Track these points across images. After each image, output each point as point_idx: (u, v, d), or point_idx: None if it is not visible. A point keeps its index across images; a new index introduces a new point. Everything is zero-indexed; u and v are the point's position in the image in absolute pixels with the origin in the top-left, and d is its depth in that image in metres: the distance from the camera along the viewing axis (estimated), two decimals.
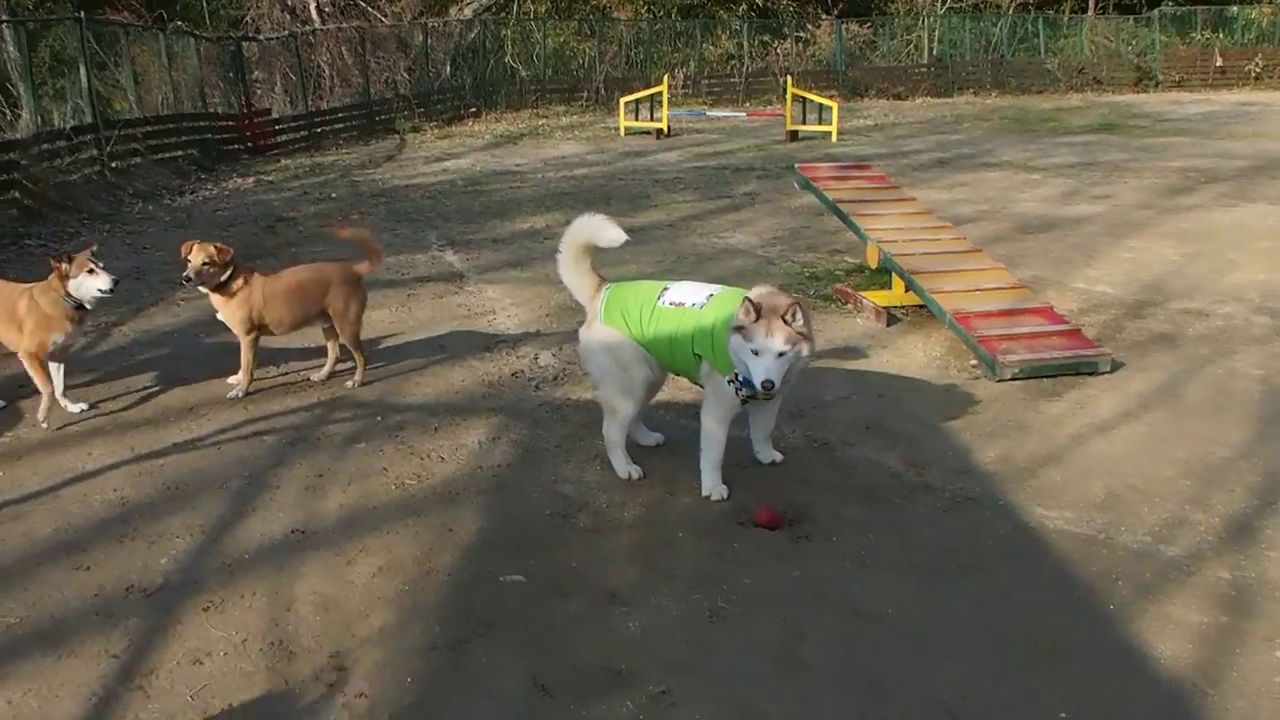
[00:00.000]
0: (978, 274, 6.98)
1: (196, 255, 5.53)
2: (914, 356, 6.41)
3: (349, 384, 5.91)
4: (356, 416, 5.48)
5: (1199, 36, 35.48)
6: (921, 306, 7.02)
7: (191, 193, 14.56)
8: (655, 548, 4.02)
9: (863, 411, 5.47)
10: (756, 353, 4.01)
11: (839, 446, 5.00)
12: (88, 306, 5.39)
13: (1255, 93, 30.53)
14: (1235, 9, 36.38)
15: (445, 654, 3.32)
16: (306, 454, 4.97)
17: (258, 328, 5.71)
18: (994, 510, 4.31)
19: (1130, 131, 20.24)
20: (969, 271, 7.01)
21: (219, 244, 5.62)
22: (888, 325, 7.01)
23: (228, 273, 5.60)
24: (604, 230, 4.69)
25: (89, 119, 14.62)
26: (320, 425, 5.36)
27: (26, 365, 5.39)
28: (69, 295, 5.28)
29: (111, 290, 5.32)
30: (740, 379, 4.19)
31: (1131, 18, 37.15)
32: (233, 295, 5.63)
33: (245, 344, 5.73)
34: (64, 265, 5.26)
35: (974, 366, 6.12)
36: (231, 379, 5.90)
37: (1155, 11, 36.21)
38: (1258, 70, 32.71)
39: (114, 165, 14.49)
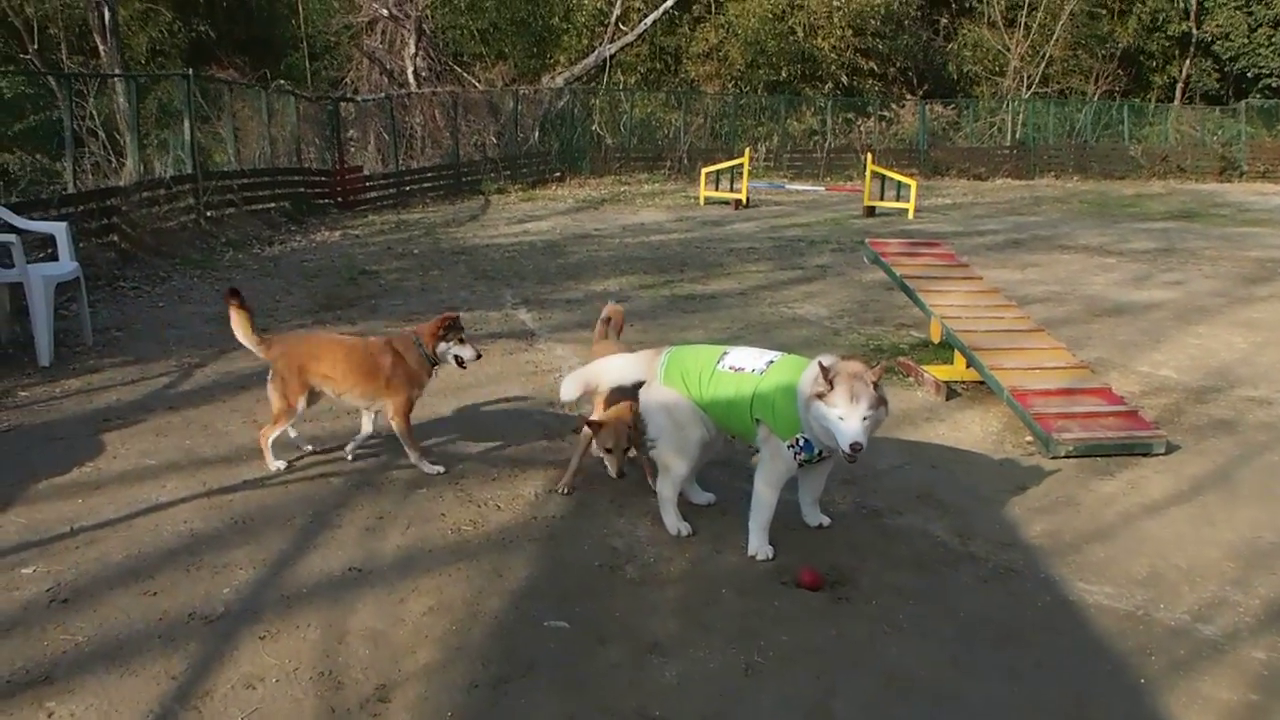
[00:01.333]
0: (1039, 353, 7.00)
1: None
2: (970, 430, 6.44)
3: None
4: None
5: None
6: (981, 382, 7.04)
7: (281, 243, 15.06)
8: (698, 602, 4.11)
9: (915, 481, 5.51)
10: (841, 418, 4.08)
11: (887, 514, 5.05)
12: (436, 366, 5.51)
13: None
14: None
15: (486, 692, 3.44)
16: (369, 497, 5.15)
17: None
18: (1036, 583, 4.33)
19: (1210, 220, 20.02)
20: (1030, 350, 7.04)
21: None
22: (947, 399, 7.04)
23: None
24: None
25: (189, 169, 15.22)
26: (384, 470, 5.53)
27: (394, 423, 5.49)
28: (433, 353, 5.42)
29: (468, 363, 5.50)
30: (800, 444, 4.30)
31: (1218, 108, 36.84)
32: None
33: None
34: (444, 325, 5.41)
35: (1029, 443, 6.13)
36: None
37: (1242, 103, 35.87)
38: None
39: (209, 214, 15.05)
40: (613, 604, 4.08)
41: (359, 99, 24.68)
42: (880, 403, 4.14)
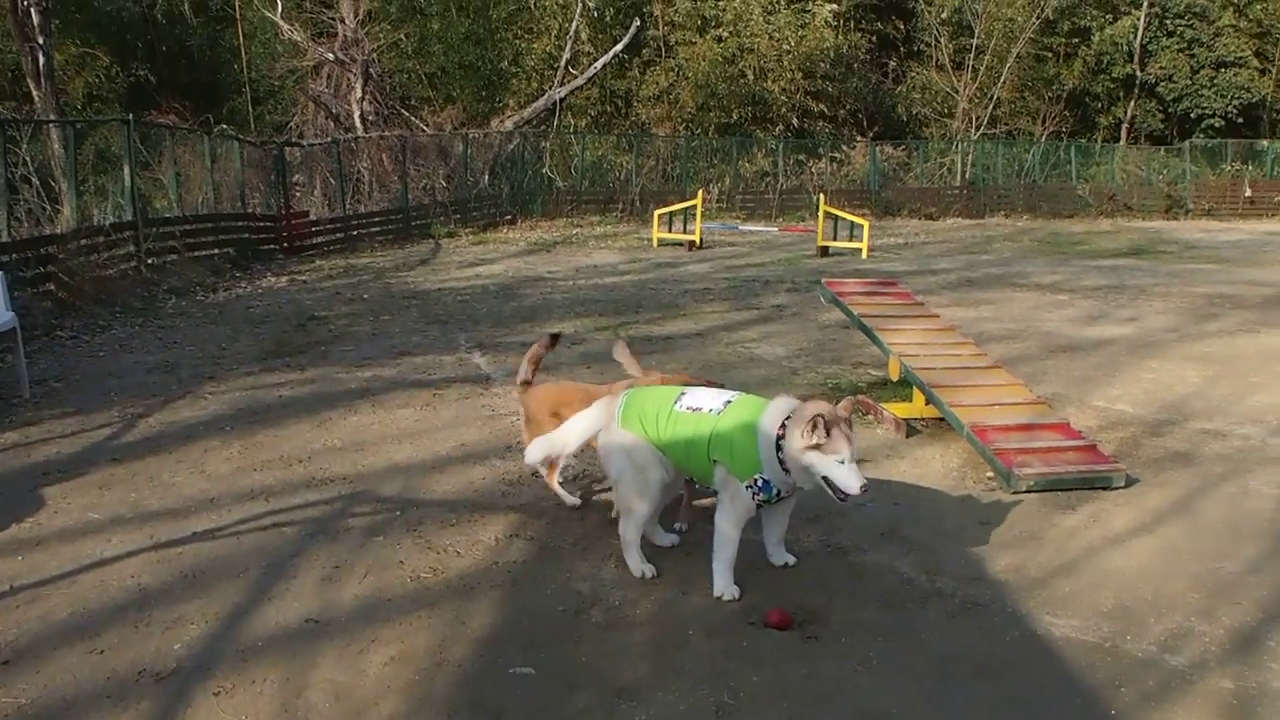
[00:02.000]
0: (997, 389, 7.10)
1: None
2: (932, 467, 6.51)
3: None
4: (376, 510, 5.62)
5: (1229, 168, 35.93)
6: (941, 419, 7.13)
7: (225, 289, 14.95)
8: (666, 644, 4.10)
9: (879, 519, 5.55)
10: (842, 462, 4.16)
11: (853, 551, 5.08)
12: None
13: None
14: (1265, 143, 36.88)
15: None
16: (325, 545, 5.10)
17: None
18: (1004, 617, 4.37)
19: (1159, 257, 20.44)
20: (988, 386, 7.13)
21: None
22: (907, 436, 7.11)
23: None
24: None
25: (129, 216, 15.10)
26: (340, 518, 5.49)
27: None
28: None
29: None
30: (759, 484, 4.34)
31: (1162, 148, 37.72)
32: None
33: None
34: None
35: (990, 478, 6.20)
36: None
37: (1186, 143, 36.76)
38: None
39: (150, 261, 14.94)
40: (579, 649, 4.06)
41: (305, 143, 24.65)
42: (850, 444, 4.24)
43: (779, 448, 4.28)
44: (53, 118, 18.48)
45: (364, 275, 16.85)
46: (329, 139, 24.93)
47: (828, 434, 4.15)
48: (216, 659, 3.96)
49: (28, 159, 15.00)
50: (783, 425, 4.29)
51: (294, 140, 25.15)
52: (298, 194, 23.02)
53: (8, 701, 3.64)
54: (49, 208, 15.46)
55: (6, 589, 4.56)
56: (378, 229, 22.76)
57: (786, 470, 4.30)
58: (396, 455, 6.65)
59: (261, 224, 19.59)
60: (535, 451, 4.99)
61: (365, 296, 14.22)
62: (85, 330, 11.13)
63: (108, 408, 7.81)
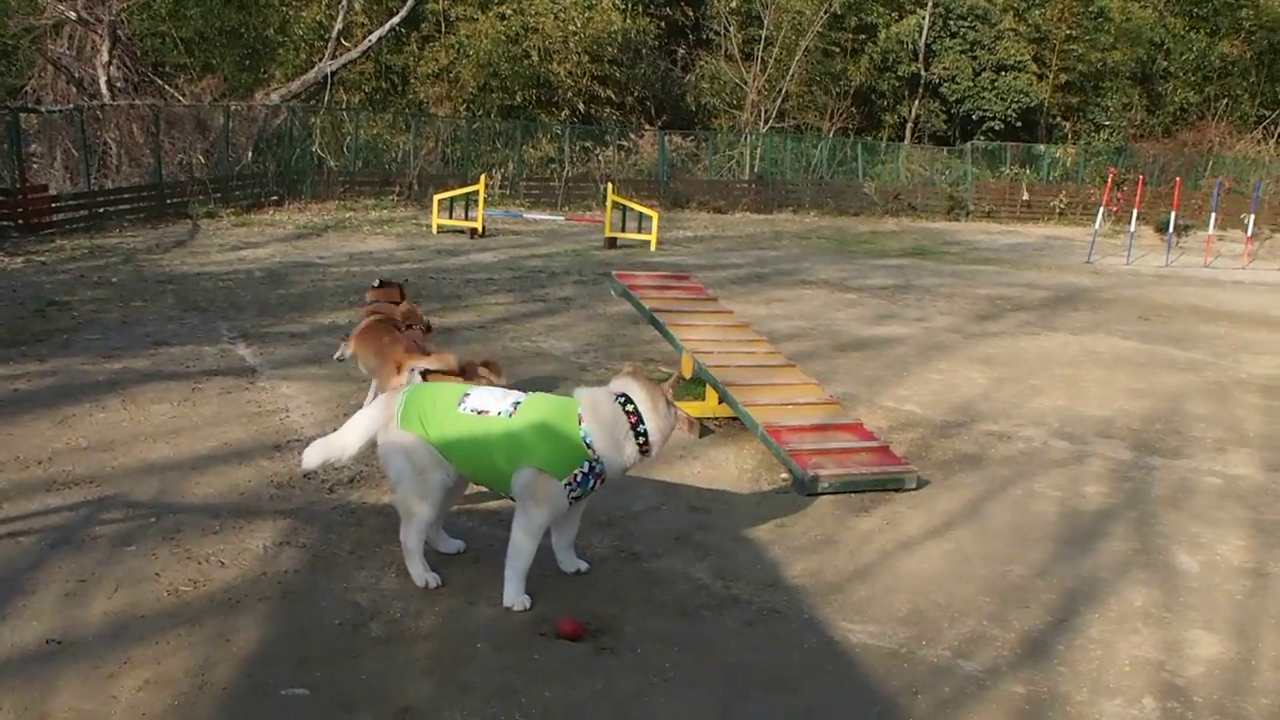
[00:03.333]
0: (791, 388, 7.26)
1: None
2: (726, 468, 6.59)
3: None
4: (128, 517, 5.28)
5: (1009, 171, 38.03)
6: (734, 418, 7.23)
7: None
8: (452, 659, 3.99)
9: (672, 522, 5.57)
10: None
11: (647, 557, 5.08)
12: None
13: (1059, 227, 32.76)
14: (1042, 148, 39.25)
15: None
16: (68, 557, 4.76)
17: None
18: (801, 624, 4.45)
19: (943, 257, 21.45)
20: (782, 386, 7.28)
21: None
22: (700, 436, 7.19)
23: None
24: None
25: None
26: (85, 526, 5.14)
27: None
28: None
29: None
30: (579, 478, 4.36)
31: (946, 149, 39.60)
32: None
33: None
34: None
35: (785, 480, 6.33)
36: None
37: (968, 145, 38.70)
38: (1061, 206, 35.16)
39: None
40: (358, 666, 3.91)
41: (43, 110, 23.13)
42: None
43: (639, 431, 4.45)
44: None
45: (113, 257, 15.92)
46: (71, 106, 23.47)
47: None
48: None
49: None
50: (631, 409, 4.44)
51: (30, 106, 23.56)
52: (35, 166, 21.57)
53: None
54: None
55: None
56: (128, 207, 21.54)
57: (644, 453, 4.50)
58: (151, 455, 6.27)
59: None
60: (313, 455, 4.79)
61: (114, 280, 13.42)
62: None
63: None
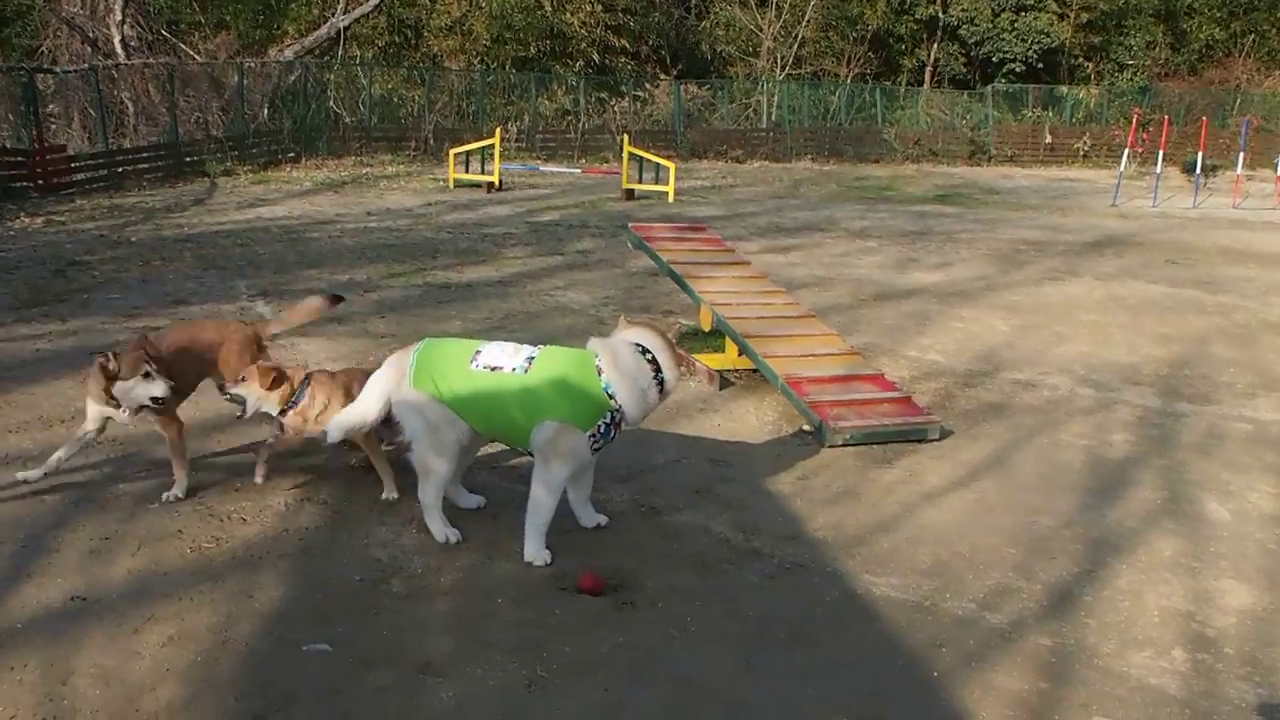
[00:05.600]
0: (811, 339, 7.21)
1: None
2: (746, 421, 6.56)
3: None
4: (150, 475, 5.30)
5: (1030, 114, 37.62)
6: (754, 370, 7.20)
7: None
8: (472, 615, 4.00)
9: (692, 476, 5.55)
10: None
11: (667, 511, 5.07)
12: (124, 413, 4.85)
13: (1083, 170, 32.45)
14: (1065, 89, 38.80)
15: None
16: (92, 515, 4.78)
17: None
18: (823, 577, 4.43)
19: (964, 203, 21.26)
20: (802, 337, 7.23)
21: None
22: (720, 389, 7.16)
23: None
24: None
25: None
26: (109, 484, 5.16)
27: None
28: (111, 399, 4.78)
29: (162, 400, 4.81)
30: (601, 429, 4.39)
31: (966, 93, 39.17)
32: None
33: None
34: (111, 364, 4.75)
35: (806, 432, 6.30)
36: None
37: (989, 88, 38.29)
38: (1085, 148, 34.79)
39: None
40: (379, 622, 3.92)
41: (58, 70, 23.07)
42: None
43: (659, 379, 4.44)
44: None
45: (131, 216, 15.93)
46: (86, 66, 23.39)
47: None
48: None
49: None
50: (650, 358, 4.44)
51: (45, 67, 23.49)
52: (53, 127, 21.54)
53: None
54: None
55: None
56: (145, 166, 21.54)
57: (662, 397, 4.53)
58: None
59: (11, 159, 18.25)
60: (336, 429, 4.77)
61: (133, 240, 13.43)
62: None
63: None
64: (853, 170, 30.43)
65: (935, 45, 40.86)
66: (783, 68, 38.18)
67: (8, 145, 19.00)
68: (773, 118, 35.68)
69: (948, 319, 9.68)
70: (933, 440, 6.16)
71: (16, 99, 20.01)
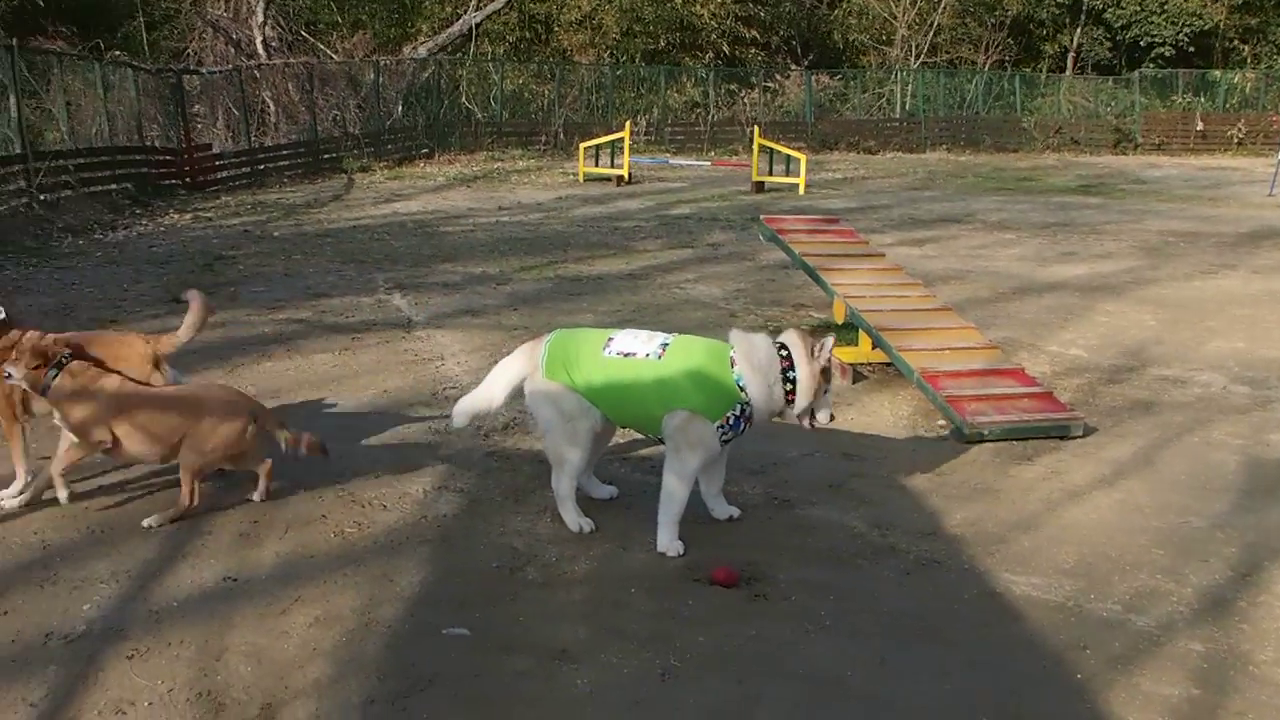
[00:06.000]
0: (947, 333, 7.10)
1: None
2: (880, 415, 6.50)
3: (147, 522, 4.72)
4: (297, 463, 5.45)
5: (1180, 100, 36.41)
6: (889, 364, 7.12)
7: (125, 228, 14.52)
8: (606, 604, 4.04)
9: (826, 470, 5.52)
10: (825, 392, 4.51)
11: (800, 505, 5.05)
12: None
13: (1237, 158, 31.32)
14: (1218, 74, 37.41)
15: (383, 708, 3.32)
16: (242, 500, 4.96)
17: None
18: (960, 575, 4.37)
19: (1108, 194, 20.69)
20: (938, 330, 7.12)
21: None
22: (854, 383, 7.10)
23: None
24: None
25: (17, 149, 14.58)
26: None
27: None
28: None
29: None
30: (731, 421, 4.38)
31: (1111, 79, 38.08)
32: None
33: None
34: None
35: (942, 427, 6.22)
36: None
37: (1135, 73, 37.16)
38: (1240, 136, 33.55)
39: (43, 198, 14.44)
40: (515, 609, 3.99)
41: (204, 71, 23.94)
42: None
43: (788, 377, 4.43)
44: None
45: (273, 212, 16.48)
46: (230, 67, 24.23)
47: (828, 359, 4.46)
48: (129, 620, 3.84)
49: None
50: (785, 355, 4.42)
51: (192, 68, 24.39)
52: (199, 126, 22.38)
53: None
54: None
55: None
56: (286, 163, 22.27)
57: (790, 401, 4.47)
58: (315, 403, 6.49)
59: (161, 158, 19.04)
60: (462, 413, 4.87)
61: (276, 235, 13.89)
62: None
63: None
64: (990, 160, 29.87)
65: (1078, 30, 39.79)
66: (917, 56, 37.63)
67: (157, 144, 19.78)
68: (906, 107, 35.19)
69: (1091, 313, 9.44)
70: (1076, 437, 6.02)
71: (165, 100, 20.82)
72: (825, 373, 4.48)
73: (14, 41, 15.87)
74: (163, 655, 3.61)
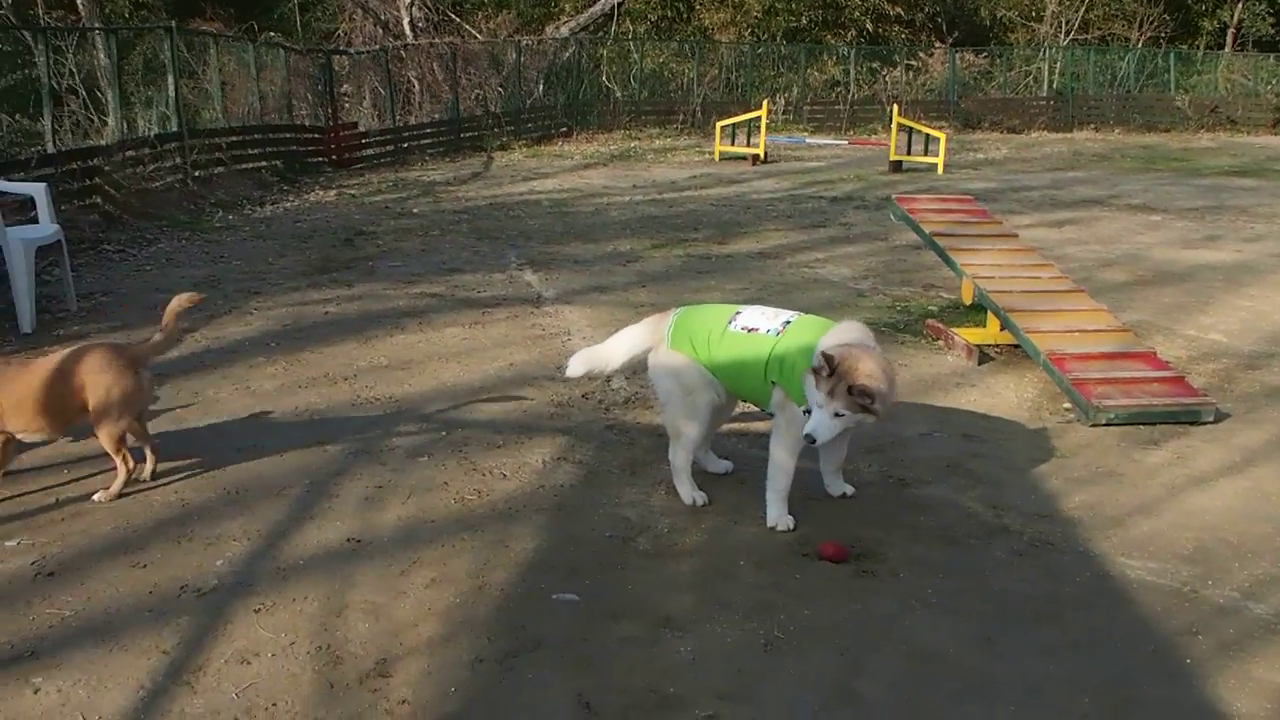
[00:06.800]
0: (1078, 315, 6.97)
1: None
2: (1004, 397, 6.42)
3: (97, 496, 4.75)
4: (421, 431, 5.67)
5: None
6: (1016, 346, 7.02)
7: (273, 203, 15.08)
8: (714, 575, 4.12)
9: (944, 450, 5.50)
10: (819, 406, 4.17)
11: (915, 484, 5.05)
12: None
13: None
14: None
15: (492, 667, 3.46)
16: (367, 465, 5.17)
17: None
18: (1074, 557, 4.32)
19: (1266, 175, 19.87)
20: (1069, 312, 7.00)
21: None
22: (979, 364, 7.02)
23: None
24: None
25: (174, 127, 15.23)
26: (384, 438, 5.55)
27: None
28: None
29: None
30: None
31: (1272, 55, 36.46)
32: None
33: None
34: None
35: (1068, 410, 6.11)
36: None
37: None
38: None
39: (197, 174, 15.09)
40: (624, 577, 4.09)
41: (352, 51, 24.58)
42: (860, 411, 4.16)
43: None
44: (97, 26, 18.55)
45: (413, 189, 16.89)
46: (377, 47, 24.84)
47: (830, 373, 4.13)
48: (257, 576, 4.07)
49: (73, 69, 15.10)
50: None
51: (341, 48, 25.08)
52: (346, 105, 23.03)
53: (51, 613, 3.77)
54: (95, 119, 15.62)
55: (51, 502, 4.70)
56: (428, 141, 22.77)
57: None
58: (443, 375, 6.70)
59: (309, 135, 19.69)
60: (578, 363, 5.01)
61: (415, 211, 14.26)
62: (131, 244, 11.28)
63: (153, 323, 7.83)
64: (1140, 140, 28.91)
65: (1239, 4, 38.14)
66: (1067, 32, 36.57)
67: (306, 123, 20.42)
68: (1054, 86, 34.23)
69: (1234, 298, 9.13)
70: (1206, 423, 5.87)
71: (315, 79, 21.48)
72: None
73: (173, 24, 16.56)
74: (287, 610, 3.82)
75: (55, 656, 3.50)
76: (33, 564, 4.14)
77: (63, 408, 4.66)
